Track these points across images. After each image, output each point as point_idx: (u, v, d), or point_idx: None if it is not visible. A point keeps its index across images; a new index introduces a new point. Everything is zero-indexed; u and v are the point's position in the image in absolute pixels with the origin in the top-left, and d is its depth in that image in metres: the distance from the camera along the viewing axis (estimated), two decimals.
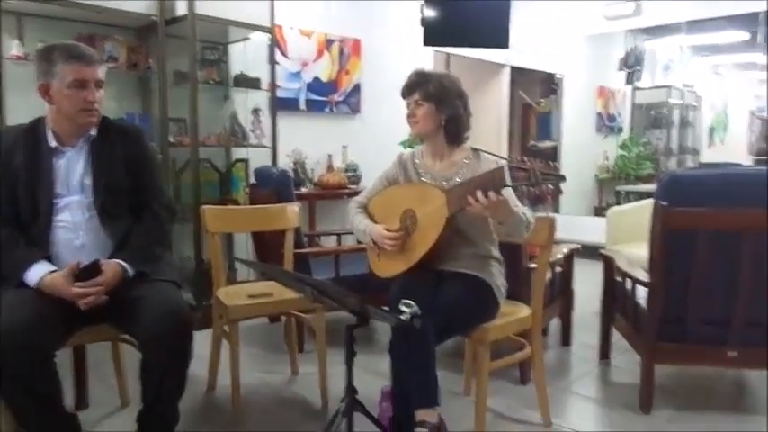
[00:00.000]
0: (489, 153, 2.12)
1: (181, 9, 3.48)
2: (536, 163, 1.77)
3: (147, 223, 2.03)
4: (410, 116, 2.13)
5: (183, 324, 1.84)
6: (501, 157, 2.11)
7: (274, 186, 3.07)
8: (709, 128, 11.20)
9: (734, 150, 11.76)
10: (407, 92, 2.14)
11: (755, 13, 6.15)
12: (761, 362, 2.35)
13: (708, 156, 10.52)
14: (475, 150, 2.14)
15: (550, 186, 1.79)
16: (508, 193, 1.89)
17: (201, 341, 2.56)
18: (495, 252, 2.13)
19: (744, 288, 2.20)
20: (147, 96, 3.67)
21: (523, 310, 2.21)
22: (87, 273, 1.82)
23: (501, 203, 1.80)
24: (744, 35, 7.85)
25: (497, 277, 2.09)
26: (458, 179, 2.06)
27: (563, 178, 1.74)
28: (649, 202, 4.19)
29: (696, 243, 2.20)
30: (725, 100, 11.79)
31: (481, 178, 1.83)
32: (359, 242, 2.44)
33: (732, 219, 2.15)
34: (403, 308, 1.67)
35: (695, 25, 6.84)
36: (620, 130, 8.66)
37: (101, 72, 1.92)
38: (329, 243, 4.11)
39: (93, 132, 1.99)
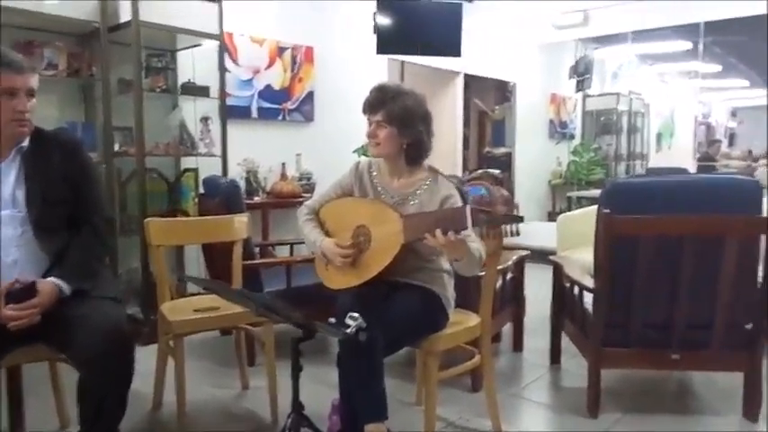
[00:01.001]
0: (448, 178, 2.10)
1: (125, 15, 3.39)
2: (498, 205, 1.78)
3: (85, 238, 1.96)
4: (371, 136, 2.04)
5: (123, 343, 1.78)
6: (460, 188, 2.10)
7: (223, 196, 3.01)
8: (657, 133, 11.58)
9: (680, 155, 12.20)
10: (370, 110, 2.04)
11: (697, 24, 6.39)
12: (703, 363, 2.43)
13: (656, 160, 10.88)
14: (434, 171, 2.11)
15: (513, 230, 1.80)
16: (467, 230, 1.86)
17: (149, 356, 2.49)
18: (446, 264, 2.12)
19: (684, 292, 2.26)
20: (91, 105, 3.56)
21: (473, 319, 2.22)
22: (22, 293, 1.75)
23: (459, 243, 1.78)
24: (687, 44, 8.16)
25: (447, 288, 2.09)
26: (415, 200, 2.05)
27: (521, 219, 1.76)
28: (596, 207, 4.32)
29: (638, 249, 2.25)
30: (671, 107, 12.22)
31: (441, 215, 1.82)
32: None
33: (671, 225, 2.21)
34: (348, 321, 1.65)
35: (641, 35, 7.06)
36: (572, 136, 8.88)
37: (33, 80, 1.84)
38: (283, 253, 4.06)
39: (26, 143, 1.90)
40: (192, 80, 3.83)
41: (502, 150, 8.10)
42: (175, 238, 2.56)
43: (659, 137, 11.65)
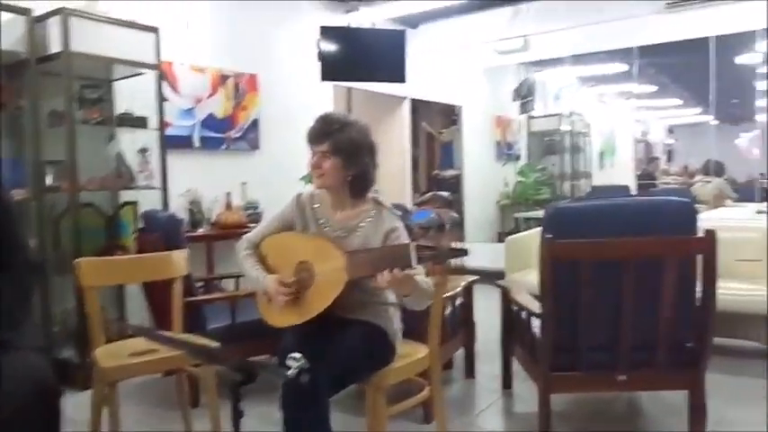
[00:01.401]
0: (392, 211, 2.07)
1: (55, 46, 3.27)
2: (444, 241, 1.76)
3: (6, 284, 1.83)
4: (315, 166, 1.98)
5: (48, 395, 1.66)
6: (407, 223, 2.08)
7: (163, 231, 2.91)
8: (599, 152, 11.95)
9: (622, 172, 12.60)
10: (315, 140, 1.99)
11: (631, 48, 6.66)
12: (648, 383, 2.45)
13: (599, 178, 11.20)
14: (378, 203, 2.08)
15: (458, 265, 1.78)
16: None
17: (86, 402, 2.35)
18: (391, 297, 2.08)
19: (627, 314, 2.28)
20: (19, 138, 3.39)
21: (421, 351, 2.18)
22: None
23: (405, 280, 1.74)
24: (623, 67, 8.49)
25: (393, 321, 2.05)
26: (358, 233, 2.00)
27: (465, 253, 1.74)
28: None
29: (581, 272, 2.26)
30: (611, 126, 12.65)
31: (386, 252, 1.79)
32: None
33: (611, 248, 2.24)
34: (290, 362, 1.58)
35: (579, 58, 7.31)
36: (518, 157, 9.06)
37: None
38: (230, 286, 3.94)
39: None
40: (129, 111, 3.72)
41: (451, 173, 8.18)
42: (109, 279, 2.44)
43: (602, 155, 12.02)
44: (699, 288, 2.34)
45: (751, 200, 7.16)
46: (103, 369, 2.11)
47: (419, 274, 1.86)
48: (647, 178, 10.49)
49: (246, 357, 2.95)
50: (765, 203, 5.29)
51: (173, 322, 2.52)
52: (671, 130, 18.71)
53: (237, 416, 1.71)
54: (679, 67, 8.72)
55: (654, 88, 10.27)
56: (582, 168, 10.70)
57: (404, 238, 1.97)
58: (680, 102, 12.95)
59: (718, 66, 6.61)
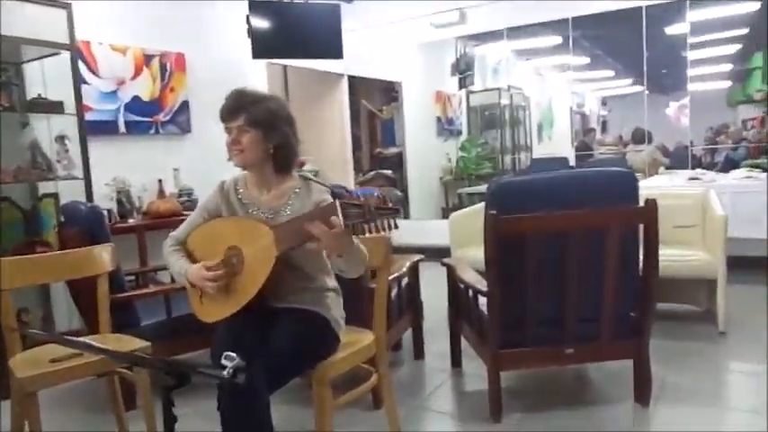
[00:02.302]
0: (319, 182, 1.97)
1: None
2: (370, 198, 1.64)
3: None
4: (234, 143, 1.87)
5: None
6: (332, 188, 1.97)
7: (84, 225, 2.69)
8: (538, 125, 12.13)
9: (560, 144, 12.85)
10: (228, 116, 1.87)
11: (566, 20, 6.69)
12: (594, 355, 2.46)
13: (538, 151, 11.37)
14: (305, 179, 1.97)
15: (390, 223, 1.64)
16: None
17: (7, 413, 2.16)
18: (332, 282, 1.99)
19: (572, 287, 2.27)
20: None
21: (366, 337, 2.09)
22: None
23: (341, 233, 1.63)
24: (557, 39, 8.56)
25: (335, 309, 1.95)
26: (287, 211, 1.89)
27: (397, 212, 1.63)
28: None
29: (525, 248, 2.23)
30: (548, 99, 12.85)
31: (311, 215, 1.67)
32: None
33: (554, 221, 2.21)
34: (224, 362, 1.46)
35: (515, 31, 7.31)
36: (460, 132, 9.05)
37: None
38: (165, 278, 3.74)
39: None
40: (43, 95, 3.43)
41: (393, 150, 8.09)
42: (24, 280, 2.22)
43: (540, 128, 12.20)
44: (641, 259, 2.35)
45: (683, 167, 7.39)
46: (20, 380, 1.92)
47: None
48: (584, 149, 10.70)
49: (185, 353, 2.85)
50: (697, 170, 5.46)
51: (99, 322, 2.36)
52: (604, 102, 19.26)
53: (170, 421, 1.58)
54: (611, 38, 8.88)
55: (587, 60, 10.44)
56: (522, 141, 10.83)
57: None
58: (612, 73, 13.27)
59: (648, 36, 6.75)
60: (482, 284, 2.40)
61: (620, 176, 2.34)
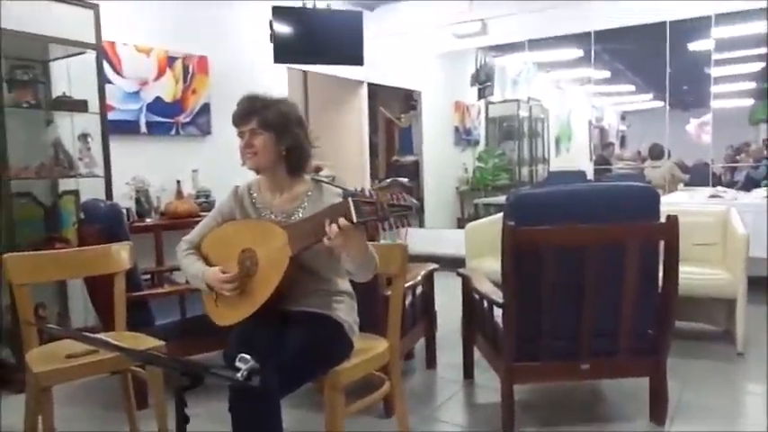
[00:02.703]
0: (332, 184, 1.97)
1: None
2: (383, 195, 1.63)
3: None
4: (246, 147, 1.89)
5: None
6: (344, 189, 1.97)
7: (104, 222, 2.71)
8: (556, 138, 12.07)
9: (578, 157, 12.77)
10: (241, 120, 1.90)
11: (588, 33, 6.66)
12: (611, 371, 2.42)
13: (556, 164, 11.30)
14: (317, 182, 1.98)
15: (404, 221, 1.63)
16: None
17: (23, 407, 2.17)
18: (345, 285, 1.98)
19: (589, 301, 2.24)
20: None
21: (380, 344, 2.08)
22: None
23: (355, 233, 1.64)
24: (578, 52, 8.53)
25: (348, 313, 1.94)
26: (300, 214, 1.90)
27: (410, 209, 1.62)
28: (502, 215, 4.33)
29: (543, 260, 2.20)
30: (567, 112, 12.79)
31: (324, 213, 1.67)
32: None
33: (574, 234, 2.19)
34: (238, 364, 1.46)
35: (536, 43, 7.29)
36: (477, 142, 9.04)
37: None
38: (180, 278, 3.75)
39: None
40: (67, 93, 3.48)
41: (410, 158, 8.09)
42: (41, 275, 2.24)
43: (558, 141, 12.13)
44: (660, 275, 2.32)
45: (702, 183, 7.30)
46: (36, 374, 1.93)
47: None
48: (602, 163, 10.63)
49: (198, 354, 2.85)
50: (718, 188, 5.38)
51: (114, 320, 2.37)
52: (623, 117, 19.14)
53: (182, 422, 1.58)
54: (633, 52, 8.82)
55: (608, 74, 10.39)
56: (539, 154, 10.77)
57: None
58: (633, 88, 13.18)
59: (671, 52, 6.70)
60: (498, 296, 2.38)
61: (642, 191, 2.31)
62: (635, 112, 17.21)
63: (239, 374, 1.44)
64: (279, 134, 1.88)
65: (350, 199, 1.60)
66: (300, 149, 1.94)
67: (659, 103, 14.77)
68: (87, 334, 1.37)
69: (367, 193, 1.61)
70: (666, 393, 2.38)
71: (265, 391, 1.58)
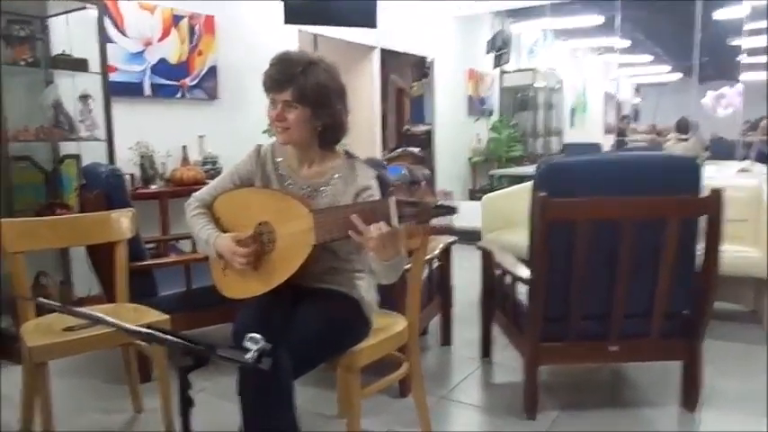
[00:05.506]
0: (366, 164, 1.79)
1: None
2: (427, 196, 1.47)
3: None
4: (278, 119, 1.66)
5: None
6: (379, 173, 1.80)
7: (104, 187, 2.56)
8: (571, 109, 11.80)
9: (592, 130, 12.52)
10: (274, 87, 1.65)
11: None
12: (642, 354, 2.28)
13: (569, 136, 11.07)
14: (350, 157, 1.79)
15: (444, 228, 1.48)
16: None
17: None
18: (364, 261, 1.83)
19: (622, 279, 2.09)
20: None
21: (399, 323, 1.94)
22: None
23: (392, 238, 1.46)
24: (599, 19, 8.23)
25: (367, 291, 1.79)
26: (327, 191, 1.72)
27: (455, 210, 1.46)
28: (522, 187, 4.16)
29: (575, 235, 2.04)
30: (583, 82, 12.48)
31: (360, 208, 1.49)
32: None
33: (610, 208, 2.02)
34: (248, 344, 1.32)
35: (558, 8, 7.01)
36: (491, 112, 8.80)
37: None
38: (186, 247, 3.63)
39: None
40: (67, 52, 3.30)
41: (422, 128, 7.88)
42: (37, 242, 2.10)
43: (573, 112, 11.87)
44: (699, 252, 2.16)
45: (720, 158, 7.10)
46: (30, 348, 1.81)
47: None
48: (619, 136, 10.40)
49: (204, 326, 2.72)
50: (748, 161, 5.18)
51: (116, 290, 2.24)
52: (637, 89, 18.73)
53: (187, 405, 1.45)
54: (657, 20, 8.49)
55: (627, 43, 10.06)
56: (554, 125, 10.54)
57: (377, 198, 1.70)
58: (651, 58, 12.81)
59: (695, 22, 6.41)
60: (524, 272, 2.22)
61: (683, 162, 2.13)
62: (650, 85, 16.85)
63: (249, 356, 1.30)
64: (316, 109, 1.65)
65: (392, 200, 1.42)
66: (338, 126, 1.73)
67: (677, 75, 14.41)
68: (79, 309, 1.24)
69: (413, 184, 1.45)
70: (701, 378, 2.25)
71: (278, 373, 1.44)
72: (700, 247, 2.13)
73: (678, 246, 2.06)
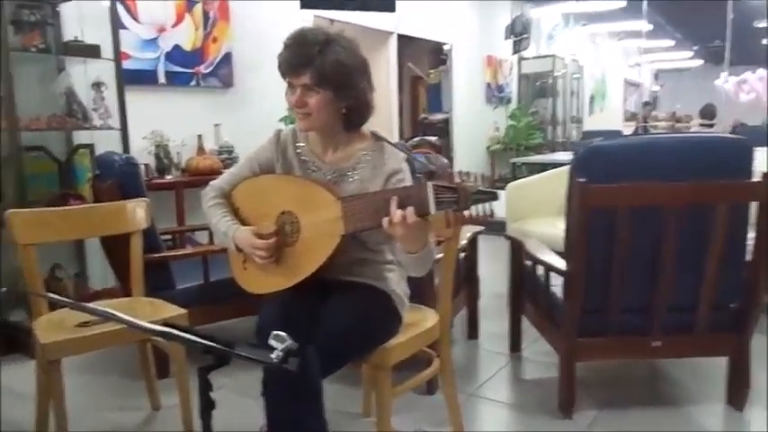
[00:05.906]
0: (396, 146, 1.66)
1: None
2: (467, 181, 1.32)
3: None
4: (298, 105, 1.54)
5: None
6: (410, 155, 1.67)
7: (118, 177, 2.47)
8: (590, 96, 11.56)
9: (612, 118, 12.27)
10: (291, 71, 1.52)
11: None
12: (686, 349, 2.15)
13: (588, 124, 10.85)
14: (377, 138, 1.66)
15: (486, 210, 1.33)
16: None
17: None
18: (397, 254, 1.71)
19: (666, 271, 1.95)
20: None
21: (430, 318, 1.83)
22: None
23: (421, 228, 1.35)
24: (620, 3, 7.99)
25: (398, 284, 1.67)
26: (355, 177, 1.60)
27: (495, 196, 1.33)
28: (547, 174, 4.02)
29: (617, 223, 1.91)
30: (602, 69, 12.22)
31: (394, 196, 1.36)
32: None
33: (655, 194, 1.89)
34: (273, 342, 1.22)
35: None
36: (509, 100, 8.62)
37: None
38: (203, 239, 3.54)
39: None
40: (79, 38, 3.21)
41: (439, 116, 7.72)
42: (49, 234, 2.00)
43: (592, 99, 11.64)
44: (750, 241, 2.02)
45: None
46: (43, 346, 1.72)
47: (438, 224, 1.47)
48: (642, 122, 10.20)
49: (223, 320, 2.63)
50: None
51: (131, 283, 2.15)
52: (656, 76, 18.39)
53: (208, 408, 1.34)
54: (681, 4, 8.23)
55: (649, 26, 9.80)
56: (573, 113, 10.33)
57: (408, 183, 1.58)
58: (672, 43, 12.52)
59: (719, 5, 6.17)
60: (560, 263, 2.09)
61: (733, 144, 1.99)
62: (669, 71, 16.51)
63: (274, 356, 1.20)
64: (338, 91, 1.53)
65: (429, 184, 1.29)
66: (363, 106, 1.60)
67: (697, 62, 14.07)
68: (91, 305, 1.13)
69: (446, 171, 1.32)
70: (749, 375, 2.11)
71: (305, 371, 1.34)
72: (750, 236, 1.99)
73: (727, 234, 1.93)
